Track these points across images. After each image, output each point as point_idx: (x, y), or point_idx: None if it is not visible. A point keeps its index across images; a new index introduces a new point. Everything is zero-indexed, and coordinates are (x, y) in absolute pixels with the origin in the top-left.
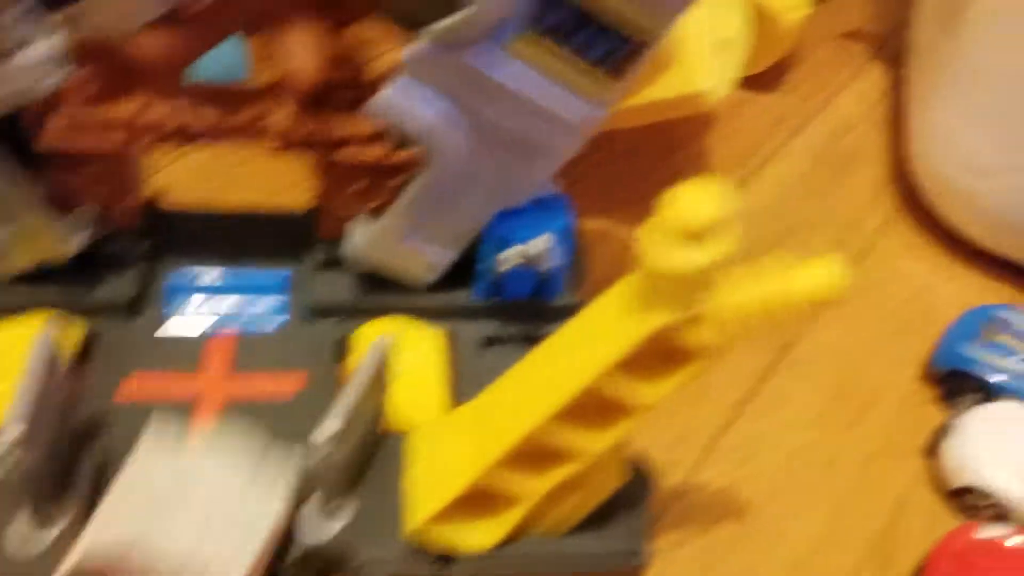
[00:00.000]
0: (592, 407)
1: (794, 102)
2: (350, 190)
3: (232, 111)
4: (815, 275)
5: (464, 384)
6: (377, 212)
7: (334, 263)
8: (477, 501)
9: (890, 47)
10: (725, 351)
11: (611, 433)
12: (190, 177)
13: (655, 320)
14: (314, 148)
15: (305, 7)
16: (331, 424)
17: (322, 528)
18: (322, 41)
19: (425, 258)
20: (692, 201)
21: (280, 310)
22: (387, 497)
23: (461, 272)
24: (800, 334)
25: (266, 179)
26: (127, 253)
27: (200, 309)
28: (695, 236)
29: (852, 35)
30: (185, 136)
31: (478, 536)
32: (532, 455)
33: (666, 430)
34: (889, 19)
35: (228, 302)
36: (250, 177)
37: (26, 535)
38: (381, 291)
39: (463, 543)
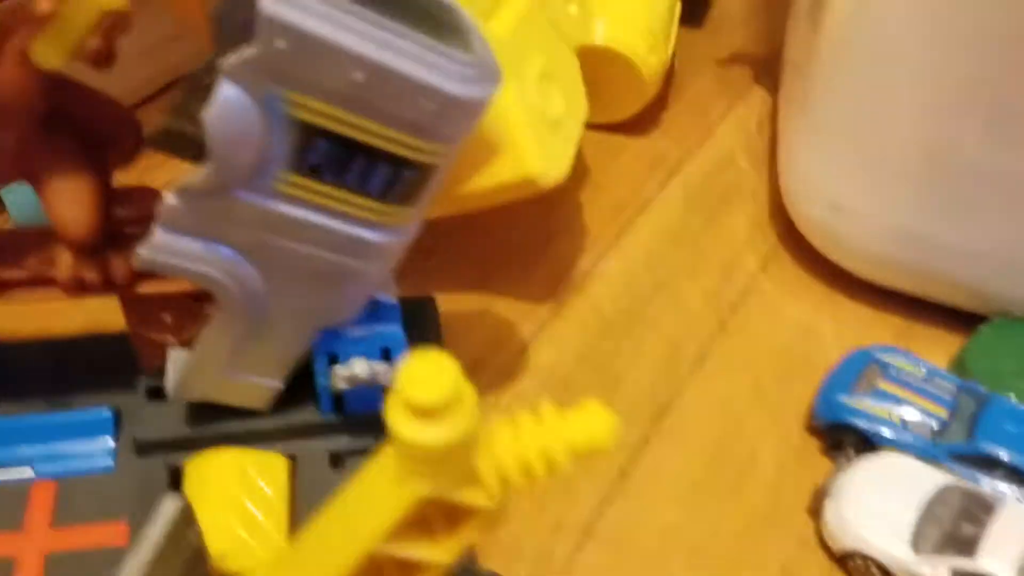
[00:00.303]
0: (388, 569)
1: (670, 143)
2: (160, 321)
3: (17, 260)
4: (584, 426)
5: (314, 507)
6: (183, 342)
7: (161, 393)
8: None
9: (773, 71)
10: (501, 513)
11: None
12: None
13: (416, 490)
14: (110, 289)
15: (70, 152)
16: None
17: None
18: (94, 186)
19: (254, 387)
20: (419, 380)
21: (106, 452)
22: None
23: (305, 388)
24: (679, 393)
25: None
26: None
27: (19, 456)
28: (428, 414)
29: (731, 59)
30: None
31: None
32: None
33: (541, 516)
34: (773, 39)
35: (47, 448)
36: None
37: None
38: (215, 419)
39: None
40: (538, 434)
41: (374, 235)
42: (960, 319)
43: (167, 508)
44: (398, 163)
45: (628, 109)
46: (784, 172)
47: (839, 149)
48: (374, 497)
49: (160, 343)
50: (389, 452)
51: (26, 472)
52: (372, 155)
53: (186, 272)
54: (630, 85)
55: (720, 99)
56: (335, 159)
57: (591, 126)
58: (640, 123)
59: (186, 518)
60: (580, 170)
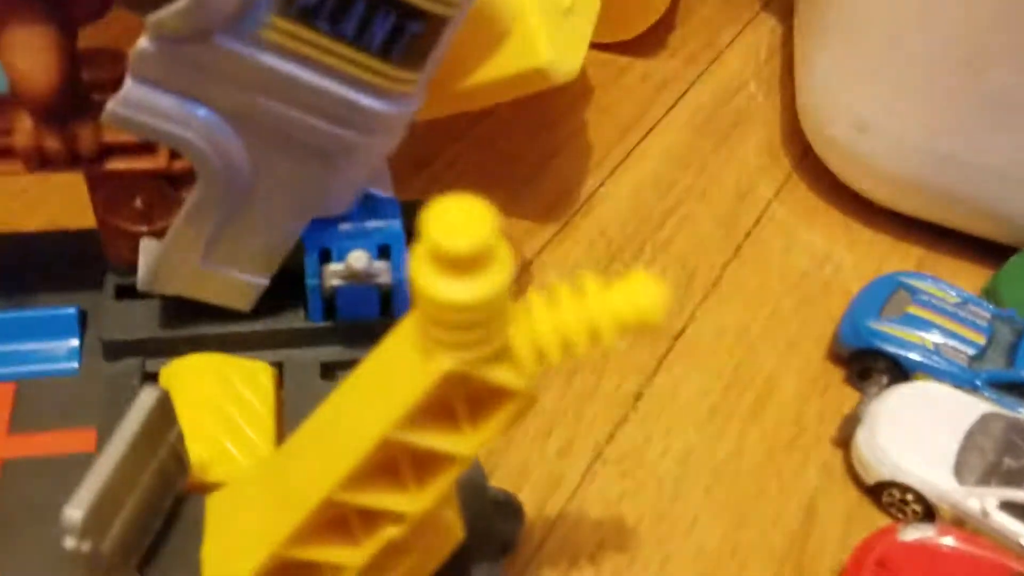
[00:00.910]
0: (403, 462)
1: (677, 65)
2: (130, 207)
3: None
4: (631, 297)
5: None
6: (156, 231)
7: (132, 291)
8: (293, 573)
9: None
10: (533, 394)
11: (430, 490)
12: None
13: (443, 364)
14: (76, 164)
15: (28, 3)
16: (72, 514)
17: None
18: (56, 40)
19: (234, 283)
20: (451, 227)
21: (71, 354)
22: (188, 574)
23: (291, 291)
24: (693, 318)
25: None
26: None
27: None
28: (459, 266)
29: None
30: None
31: None
32: (342, 520)
33: (550, 441)
34: None
35: (9, 347)
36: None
37: None
38: (193, 321)
39: None
40: (580, 306)
41: (372, 102)
42: (983, 250)
43: (146, 398)
44: (404, 12)
45: (635, 27)
46: (804, 93)
47: (867, 65)
48: (395, 374)
49: (130, 234)
50: (412, 321)
51: None
52: (375, 3)
53: (159, 133)
54: (638, 1)
55: (728, 25)
56: (331, 1)
57: (596, 46)
58: (646, 45)
59: (166, 413)
60: (584, 89)
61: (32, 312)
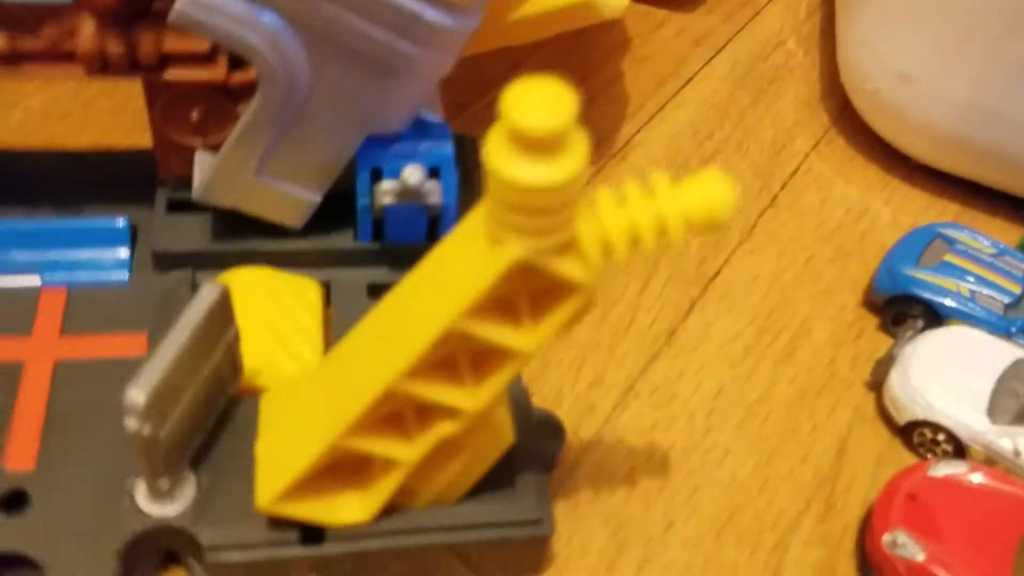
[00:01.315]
0: (462, 357)
1: (715, 21)
2: (187, 119)
3: (30, 31)
4: (701, 194)
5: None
6: (212, 145)
7: (183, 205)
8: (345, 470)
9: None
10: (595, 290)
11: (487, 387)
12: (36, 117)
13: (513, 251)
14: (135, 71)
15: None
16: (136, 396)
17: (159, 508)
18: None
19: (287, 198)
20: (531, 105)
21: (121, 264)
22: (239, 472)
23: (341, 212)
24: (727, 262)
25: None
26: None
27: (26, 262)
28: (537, 147)
29: None
30: None
31: (349, 509)
32: (398, 416)
33: (583, 372)
34: None
35: (60, 254)
36: (110, 114)
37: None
38: (241, 236)
39: (332, 518)
40: (649, 202)
41: (435, 15)
42: (1019, 206)
43: (208, 293)
44: None
45: None
46: (844, 46)
47: (911, 17)
48: (461, 265)
49: (184, 147)
50: (481, 212)
51: (34, 279)
52: None
53: (225, 36)
54: None
55: None
56: None
57: None
58: (684, 0)
59: (225, 310)
60: (621, 40)
61: (84, 221)
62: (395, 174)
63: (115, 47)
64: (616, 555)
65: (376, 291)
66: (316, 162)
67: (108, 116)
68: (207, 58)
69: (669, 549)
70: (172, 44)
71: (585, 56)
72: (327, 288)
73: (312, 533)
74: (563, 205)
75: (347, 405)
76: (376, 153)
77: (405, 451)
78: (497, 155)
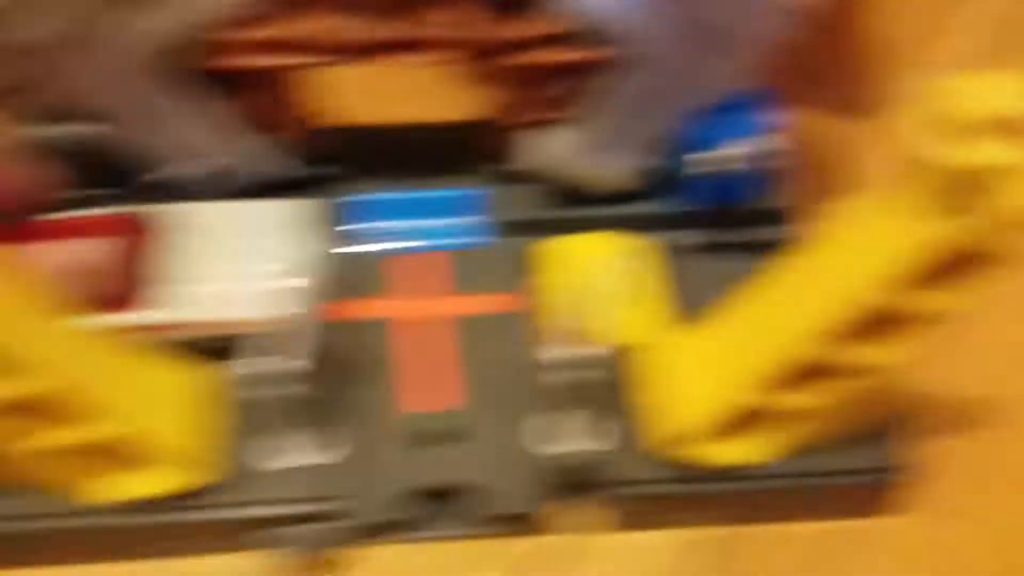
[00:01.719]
0: (873, 321)
1: None
2: (529, 98)
3: (402, 21)
4: None
5: (687, 297)
6: (558, 120)
7: (517, 176)
8: (741, 419)
9: None
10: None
11: (896, 347)
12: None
13: (931, 229)
14: (488, 56)
15: None
16: (595, 351)
17: (578, 445)
18: None
19: (618, 168)
20: (976, 92)
21: (477, 228)
22: (635, 416)
23: (658, 178)
24: None
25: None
26: (310, 176)
27: (386, 230)
28: (975, 131)
29: None
30: (355, 51)
31: (743, 453)
32: (807, 373)
33: None
34: None
35: (426, 222)
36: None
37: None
38: (576, 203)
39: (726, 460)
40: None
41: None
42: None
43: (606, 260)
44: None
45: None
46: None
47: None
48: (880, 241)
49: (529, 121)
50: (896, 192)
51: (406, 244)
52: None
53: (598, 18)
54: None
55: None
56: None
57: None
58: None
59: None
60: None
61: (445, 192)
62: (718, 142)
63: (473, 36)
64: None
65: (702, 251)
66: (653, 132)
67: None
68: (565, 40)
69: None
70: (537, 28)
71: None
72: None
73: (714, 474)
74: (981, 185)
75: (760, 363)
76: (700, 122)
77: (811, 402)
78: (924, 139)
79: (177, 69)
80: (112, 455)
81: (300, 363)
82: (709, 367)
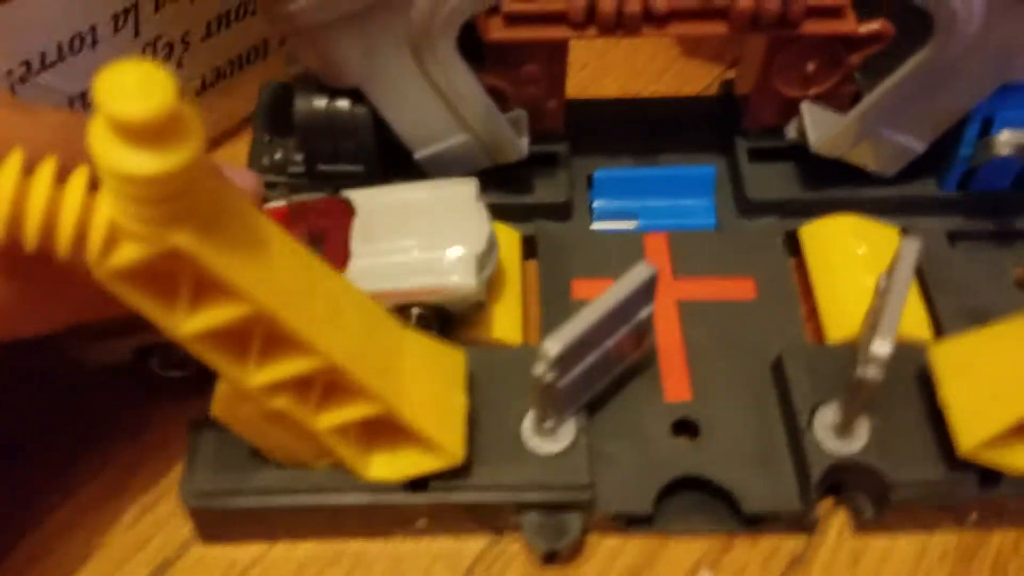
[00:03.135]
0: None
1: None
2: (800, 71)
3: None
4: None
5: (934, 286)
6: (825, 96)
7: (766, 154)
8: None
9: None
10: None
11: None
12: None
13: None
14: (780, 27)
15: None
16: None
17: (842, 445)
18: None
19: (895, 148)
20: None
21: (708, 209)
22: (909, 417)
23: (924, 160)
24: None
25: (631, 66)
26: (555, 154)
27: (626, 209)
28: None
29: None
30: (639, 21)
31: None
32: None
33: None
34: None
35: (654, 200)
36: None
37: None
38: (826, 184)
39: (1014, 464)
40: None
41: None
42: None
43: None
44: None
45: None
46: None
47: None
48: None
49: (782, 98)
50: None
51: (631, 224)
52: None
53: None
54: None
55: None
56: None
57: None
58: None
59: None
60: None
61: (675, 170)
62: (1007, 124)
63: (772, 4)
64: None
65: (954, 238)
66: (940, 113)
67: (624, 65)
68: (836, 11)
69: None
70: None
71: None
72: (903, 234)
73: (988, 477)
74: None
75: None
76: (992, 103)
77: None
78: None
79: (452, 44)
80: (380, 433)
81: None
82: (1008, 369)
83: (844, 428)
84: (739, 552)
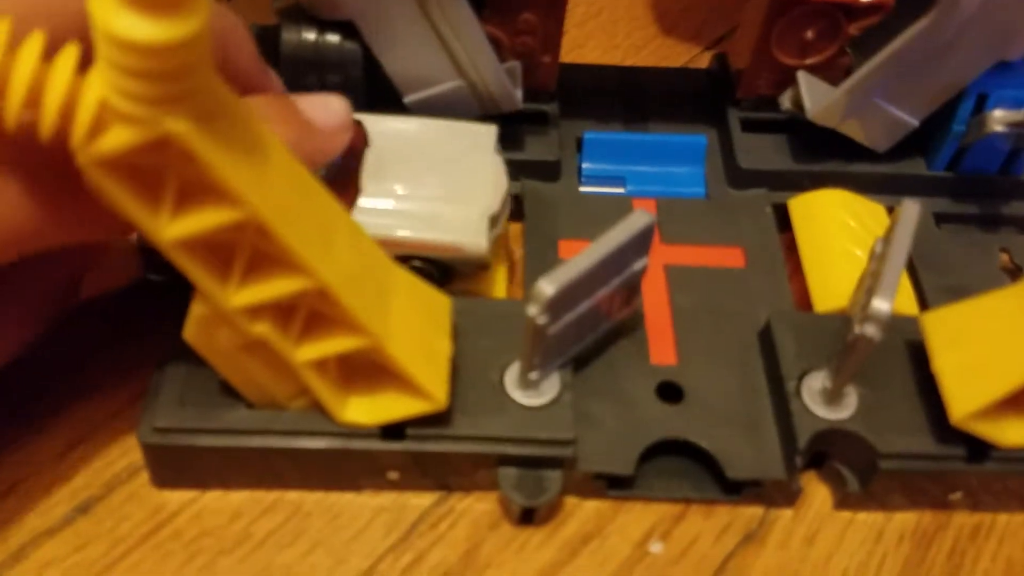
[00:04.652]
0: None
1: None
2: (799, 39)
3: None
4: None
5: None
6: (821, 67)
7: (758, 126)
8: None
9: None
10: None
11: None
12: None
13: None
14: None
15: None
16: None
17: (831, 412)
18: None
19: (889, 121)
20: None
21: (698, 177)
22: (896, 386)
23: (913, 139)
24: None
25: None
26: (546, 113)
27: (615, 173)
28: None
29: None
30: None
31: (1020, 432)
32: None
33: None
34: None
35: (644, 167)
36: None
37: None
38: (817, 158)
39: (1003, 437)
40: None
41: None
42: None
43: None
44: None
45: None
46: None
47: None
48: None
49: (779, 67)
50: None
51: (619, 189)
52: None
53: None
54: None
55: None
56: None
57: None
58: None
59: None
60: None
61: (666, 137)
62: (1002, 103)
63: None
64: None
65: (941, 220)
66: (937, 87)
67: (602, 38)
68: None
69: None
70: None
71: None
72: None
73: (977, 451)
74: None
75: None
76: (988, 80)
77: None
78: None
79: None
80: (360, 372)
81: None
82: (1010, 334)
83: (833, 396)
84: (691, 523)
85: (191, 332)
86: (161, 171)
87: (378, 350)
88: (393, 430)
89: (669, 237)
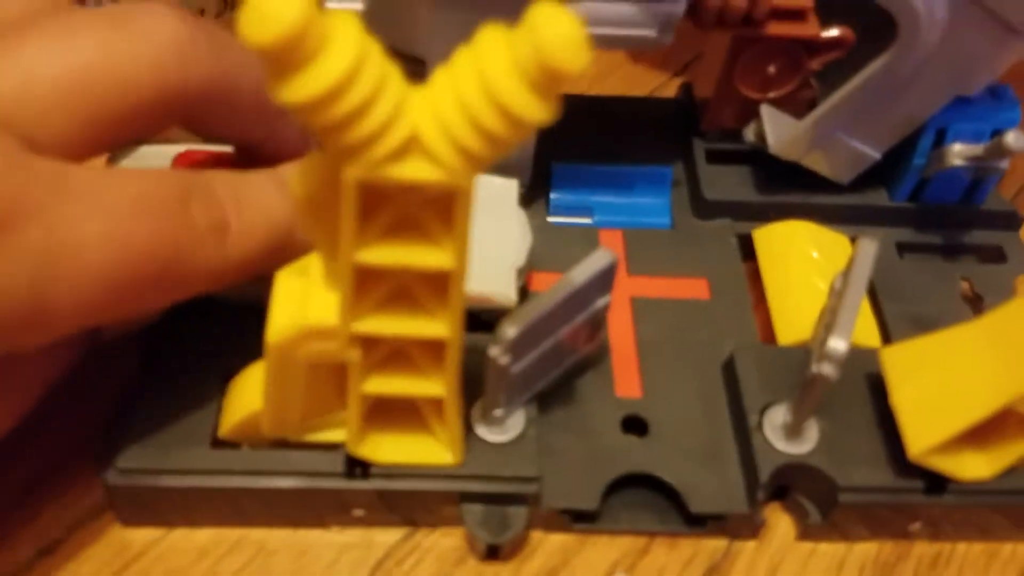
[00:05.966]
0: None
1: None
2: (761, 73)
3: None
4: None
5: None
6: (784, 100)
7: (722, 157)
8: (986, 427)
9: None
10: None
11: None
12: None
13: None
14: (745, 25)
15: None
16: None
17: (790, 446)
18: None
19: (851, 154)
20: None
21: (664, 208)
22: (855, 419)
23: (875, 169)
24: None
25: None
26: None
27: (583, 203)
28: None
29: None
30: None
31: (977, 465)
32: None
33: None
34: None
35: (610, 197)
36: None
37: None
38: (780, 189)
39: (960, 471)
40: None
41: None
42: None
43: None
44: None
45: None
46: None
47: None
48: None
49: (742, 100)
50: None
51: (586, 220)
52: None
53: None
54: None
55: None
56: None
57: None
58: None
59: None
60: None
61: (633, 168)
62: (960, 137)
63: (738, 2)
64: None
65: (903, 250)
66: (897, 121)
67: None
68: (798, 14)
69: None
70: (780, 0)
71: None
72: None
73: (935, 483)
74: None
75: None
76: (947, 115)
77: None
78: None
79: None
80: (396, 414)
81: (512, 333)
82: (969, 370)
83: (794, 430)
84: (656, 556)
85: (275, 338)
86: (394, 199)
87: (447, 404)
88: (358, 469)
89: (635, 268)
